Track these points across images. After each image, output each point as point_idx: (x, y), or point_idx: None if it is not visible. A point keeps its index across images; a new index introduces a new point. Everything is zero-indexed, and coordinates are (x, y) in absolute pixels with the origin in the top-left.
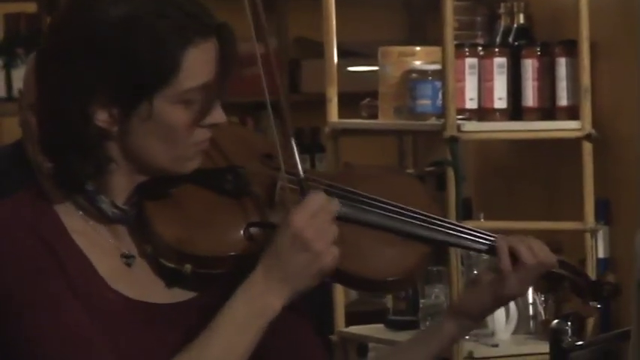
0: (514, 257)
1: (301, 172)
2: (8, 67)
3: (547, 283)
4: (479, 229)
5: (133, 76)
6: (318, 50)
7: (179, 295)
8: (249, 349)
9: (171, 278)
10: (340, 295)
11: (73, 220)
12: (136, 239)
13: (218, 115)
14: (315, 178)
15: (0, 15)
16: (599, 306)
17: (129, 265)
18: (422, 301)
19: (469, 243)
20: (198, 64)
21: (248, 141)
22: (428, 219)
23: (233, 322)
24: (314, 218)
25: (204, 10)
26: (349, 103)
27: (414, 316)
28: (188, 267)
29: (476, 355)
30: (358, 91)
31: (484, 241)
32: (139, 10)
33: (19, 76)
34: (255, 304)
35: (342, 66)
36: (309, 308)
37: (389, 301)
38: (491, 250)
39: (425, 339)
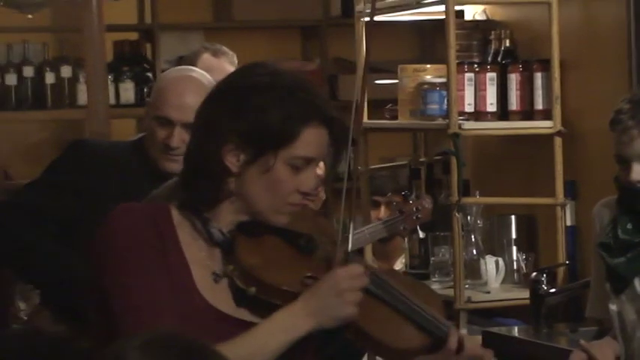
0: (461, 346)
1: (350, 248)
2: (117, 81)
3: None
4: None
5: (261, 133)
6: (351, 68)
7: (245, 317)
8: (273, 355)
9: (239, 297)
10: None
11: (185, 235)
12: (224, 261)
13: (310, 185)
14: (361, 260)
15: (110, 41)
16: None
17: (216, 281)
18: (432, 258)
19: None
20: (311, 140)
21: (324, 228)
22: (432, 317)
23: (268, 327)
24: (351, 279)
25: (327, 102)
26: (376, 107)
27: (426, 270)
28: (253, 289)
29: (473, 299)
30: (382, 99)
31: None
32: (277, 84)
33: (124, 87)
34: (288, 320)
35: (370, 79)
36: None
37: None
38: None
39: None
